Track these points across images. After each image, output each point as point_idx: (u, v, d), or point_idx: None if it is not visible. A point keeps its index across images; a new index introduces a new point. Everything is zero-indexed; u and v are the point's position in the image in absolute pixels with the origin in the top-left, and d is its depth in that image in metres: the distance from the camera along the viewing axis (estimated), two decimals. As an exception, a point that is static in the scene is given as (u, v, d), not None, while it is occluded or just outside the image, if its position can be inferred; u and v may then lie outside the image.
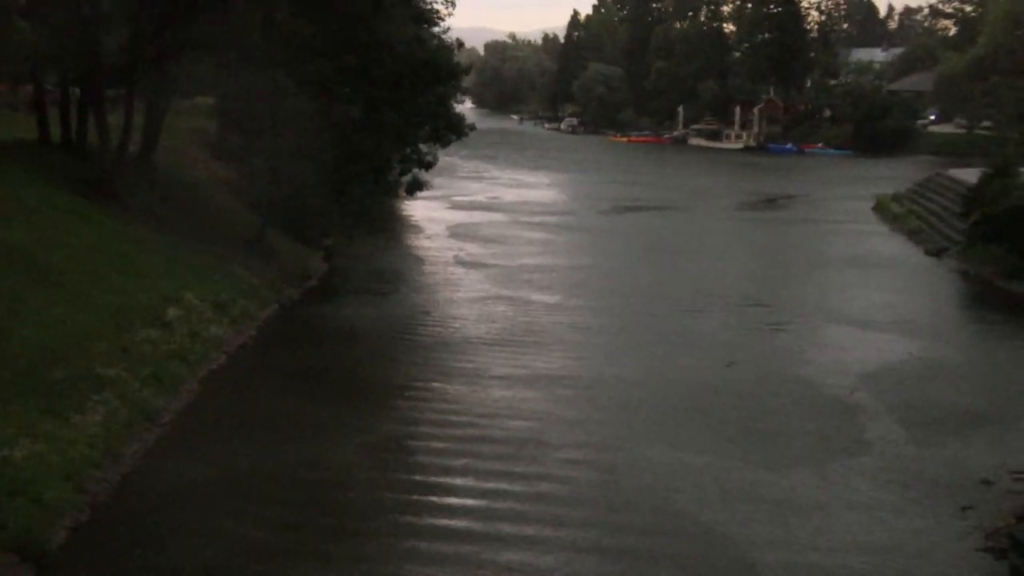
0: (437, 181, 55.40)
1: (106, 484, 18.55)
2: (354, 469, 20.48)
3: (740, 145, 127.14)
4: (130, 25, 34.92)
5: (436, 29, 49.48)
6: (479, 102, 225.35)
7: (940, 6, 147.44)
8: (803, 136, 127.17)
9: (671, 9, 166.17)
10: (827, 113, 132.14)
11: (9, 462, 17.16)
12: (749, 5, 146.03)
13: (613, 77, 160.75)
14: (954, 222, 49.81)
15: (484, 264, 44.09)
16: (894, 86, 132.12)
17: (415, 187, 50.33)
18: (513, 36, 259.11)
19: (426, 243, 51.31)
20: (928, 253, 48.48)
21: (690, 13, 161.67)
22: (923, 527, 18.25)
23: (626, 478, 20.22)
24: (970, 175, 51.98)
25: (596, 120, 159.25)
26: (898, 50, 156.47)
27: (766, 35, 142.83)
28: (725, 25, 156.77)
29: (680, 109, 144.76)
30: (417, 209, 60.23)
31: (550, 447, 21.78)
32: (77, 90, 38.88)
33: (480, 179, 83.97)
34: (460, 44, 50.77)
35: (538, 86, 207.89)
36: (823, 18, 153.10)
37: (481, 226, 56.27)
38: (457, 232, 53.63)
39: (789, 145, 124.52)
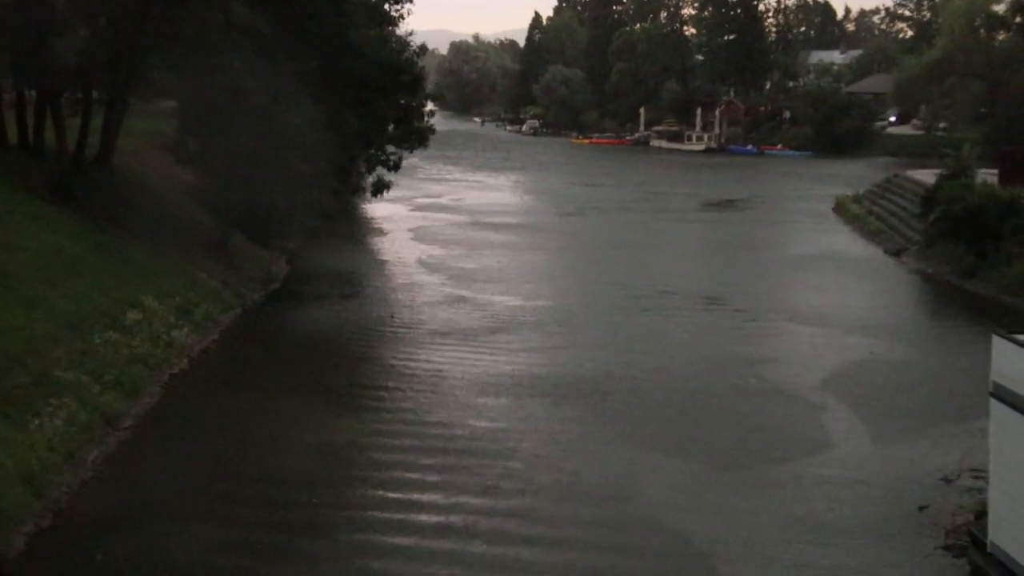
0: (399, 183, 55.23)
1: (67, 490, 18.39)
2: (315, 473, 20.38)
3: (702, 147, 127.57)
4: (86, 26, 34.52)
5: (398, 31, 49.36)
6: (441, 104, 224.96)
7: (896, 9, 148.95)
8: (764, 138, 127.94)
9: (631, 11, 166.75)
10: (787, 115, 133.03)
11: (-33, 469, 16.97)
12: (708, 9, 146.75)
13: (574, 79, 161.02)
14: (913, 222, 50.31)
15: (446, 266, 44.04)
16: (852, 88, 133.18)
17: (380, 188, 50.12)
18: (476, 37, 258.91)
19: (388, 245, 51.20)
20: (887, 253, 48.93)
21: (651, 15, 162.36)
22: (883, 524, 18.40)
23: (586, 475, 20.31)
24: (928, 176, 52.55)
25: (558, 122, 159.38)
26: (856, 52, 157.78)
27: (726, 37, 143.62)
28: (686, 27, 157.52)
29: (642, 111, 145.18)
30: (379, 211, 60.04)
31: (512, 447, 21.83)
32: (33, 92, 38.43)
33: (442, 181, 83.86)
34: (424, 50, 50.63)
35: (500, 88, 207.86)
36: (781, 21, 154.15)
37: (443, 228, 56.18)
38: (419, 234, 53.51)
39: (749, 147, 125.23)
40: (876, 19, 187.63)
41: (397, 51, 47.60)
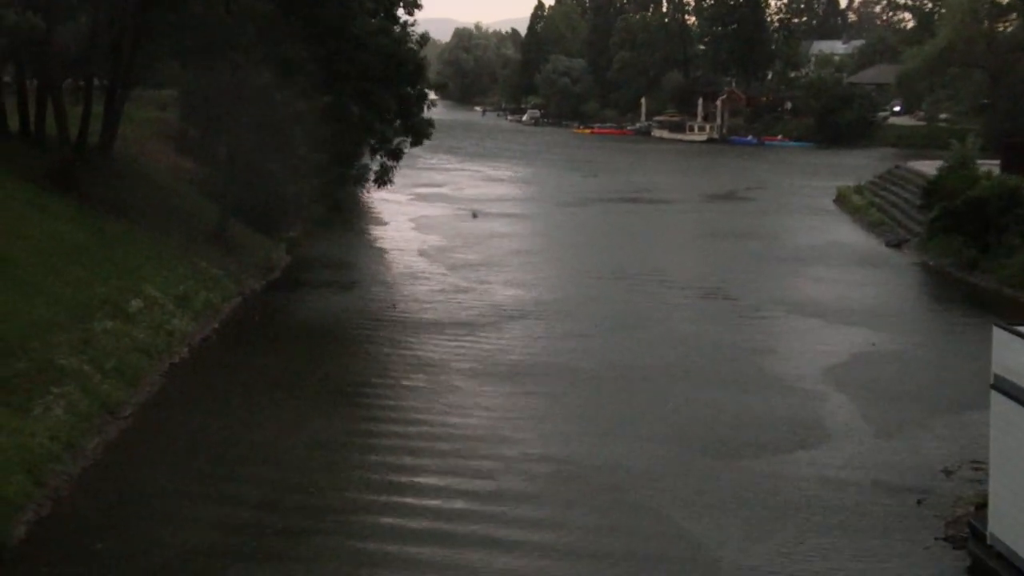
0: (400, 172, 55.14)
1: (67, 478, 18.41)
2: (312, 463, 20.37)
3: (703, 137, 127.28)
4: (89, 13, 34.46)
5: (403, 19, 49.10)
6: (442, 94, 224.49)
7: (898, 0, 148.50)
8: (765, 128, 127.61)
9: (633, 0, 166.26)
10: (788, 105, 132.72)
11: (-32, 456, 16.98)
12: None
13: (576, 69, 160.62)
14: (914, 214, 50.24)
15: (447, 256, 44.01)
16: (855, 78, 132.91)
17: (383, 177, 49.88)
18: (478, 26, 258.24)
19: (389, 235, 51.16)
20: (889, 245, 48.87)
21: (652, 5, 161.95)
22: (882, 515, 18.41)
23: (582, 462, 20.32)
24: (930, 167, 52.45)
25: (559, 112, 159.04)
26: (858, 42, 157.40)
27: (728, 27, 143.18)
28: (687, 17, 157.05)
29: (643, 101, 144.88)
30: (380, 201, 59.98)
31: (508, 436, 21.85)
32: (35, 80, 38.40)
33: (443, 171, 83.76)
34: (425, 40, 50.37)
35: (501, 78, 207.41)
36: (782, 9, 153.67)
37: (443, 218, 56.15)
38: (420, 224, 53.49)
39: (749, 137, 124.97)
40: (878, 9, 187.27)
41: (400, 40, 47.39)
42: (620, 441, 21.87)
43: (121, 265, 29.48)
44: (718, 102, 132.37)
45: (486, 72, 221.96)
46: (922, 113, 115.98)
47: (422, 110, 49.84)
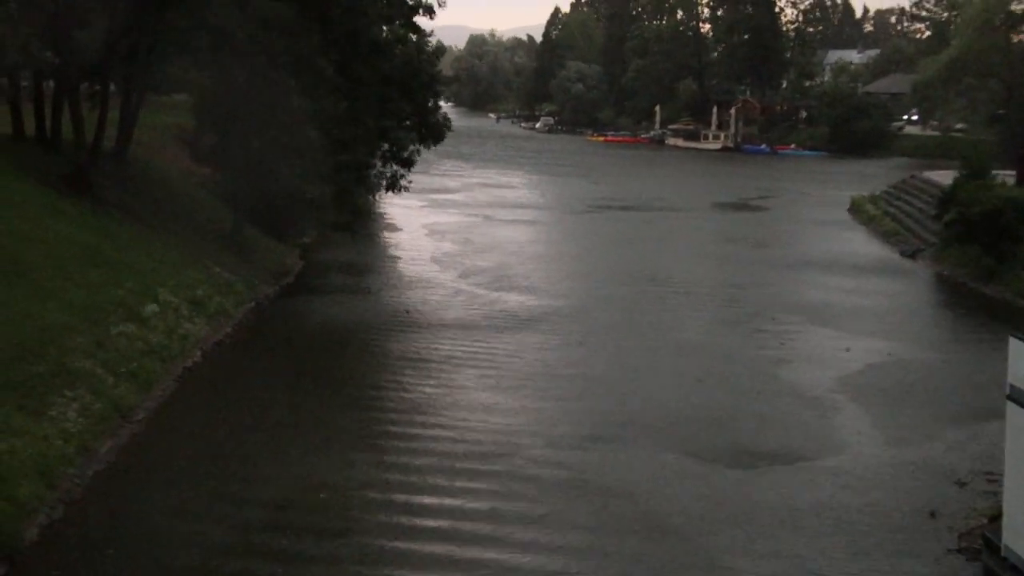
0: (413, 179, 55.18)
1: (79, 481, 18.42)
2: (328, 469, 20.35)
3: (718, 145, 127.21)
4: (104, 17, 34.57)
5: (421, 28, 49.05)
6: (456, 100, 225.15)
7: (914, 10, 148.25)
8: (780, 137, 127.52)
9: (649, 8, 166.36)
10: (803, 114, 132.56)
11: (-19, 459, 17.01)
12: (725, 6, 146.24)
13: (591, 75, 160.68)
14: (929, 224, 50.10)
15: (459, 262, 44.04)
16: (870, 88, 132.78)
17: (395, 184, 49.95)
18: (492, 33, 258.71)
19: (402, 241, 51.22)
20: (903, 254, 48.73)
21: (667, 13, 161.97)
22: (895, 526, 18.33)
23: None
24: (944, 177, 52.31)
25: (573, 119, 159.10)
26: (873, 52, 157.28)
27: (743, 36, 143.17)
28: (702, 25, 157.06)
29: (657, 109, 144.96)
30: (393, 207, 60.06)
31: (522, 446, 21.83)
32: (51, 84, 38.55)
33: (456, 177, 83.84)
34: (441, 52, 50.43)
35: (515, 85, 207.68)
36: (799, 19, 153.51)
37: (456, 224, 56.20)
38: (432, 230, 53.56)
39: (763, 146, 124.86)
40: (892, 19, 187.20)
41: (419, 49, 47.42)
42: (630, 450, 21.82)
43: (135, 269, 29.55)
44: (732, 110, 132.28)
45: (500, 79, 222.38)
46: (936, 123, 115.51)
47: (436, 117, 49.79)
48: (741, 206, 71.39)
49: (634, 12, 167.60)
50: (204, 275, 32.61)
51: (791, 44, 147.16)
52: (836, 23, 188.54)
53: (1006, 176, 46.35)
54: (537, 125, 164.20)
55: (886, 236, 54.02)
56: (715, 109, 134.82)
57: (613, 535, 17.65)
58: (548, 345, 30.48)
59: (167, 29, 35.35)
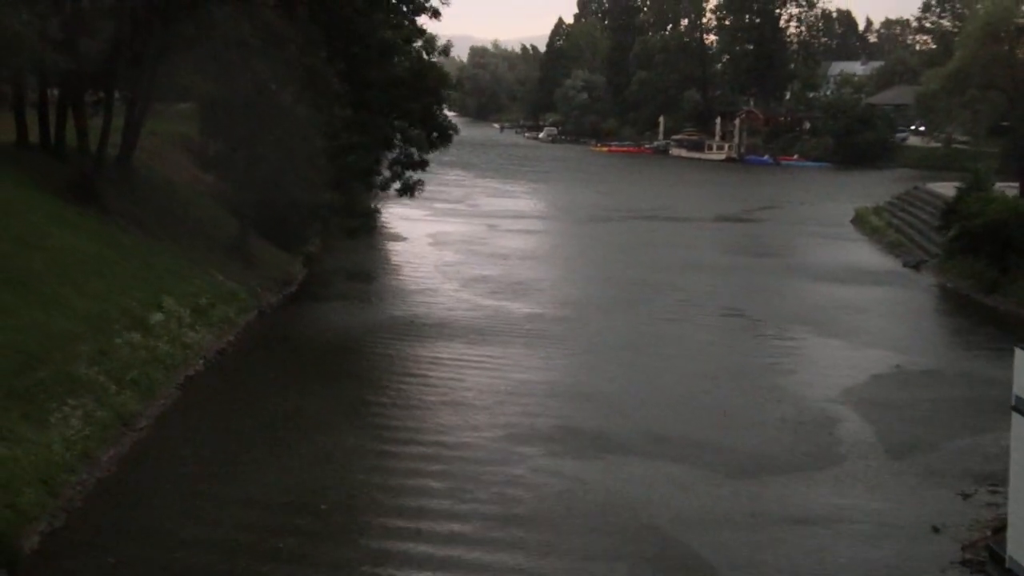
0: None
1: (81, 489, 18.40)
2: (329, 476, 20.33)
3: (722, 156, 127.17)
4: (111, 25, 34.63)
5: (424, 27, 49.07)
6: (460, 110, 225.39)
7: (919, 21, 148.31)
8: (783, 148, 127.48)
9: (653, 19, 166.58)
10: (807, 125, 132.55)
11: (-17, 465, 16.99)
12: (728, 19, 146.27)
13: (596, 85, 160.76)
14: (932, 235, 50.08)
15: (462, 271, 44.04)
16: (874, 99, 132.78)
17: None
18: (496, 44, 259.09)
19: (406, 250, 51.25)
20: (907, 266, 48.69)
21: (670, 25, 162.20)
22: (899, 537, 18.28)
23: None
24: (948, 189, 52.30)
25: (577, 129, 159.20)
26: (877, 63, 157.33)
27: (746, 46, 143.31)
28: (707, 36, 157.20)
29: (661, 119, 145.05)
30: (397, 215, 60.11)
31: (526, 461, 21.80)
32: (56, 91, 38.60)
33: (459, 186, 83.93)
34: (448, 47, 50.27)
35: (519, 95, 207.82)
36: (802, 30, 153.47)
37: (459, 233, 56.25)
38: (436, 239, 53.60)
39: (765, 157, 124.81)
40: (897, 31, 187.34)
41: (428, 47, 47.43)
42: (638, 461, 21.79)
43: (139, 277, 29.57)
44: (736, 121, 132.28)
45: (503, 89, 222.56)
46: (941, 135, 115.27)
47: (444, 118, 49.82)
48: (744, 217, 71.37)
49: (638, 23, 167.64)
50: (208, 283, 32.62)
51: (795, 56, 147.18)
52: (839, 33, 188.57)
53: (1008, 188, 46.29)
54: (540, 135, 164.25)
55: (890, 247, 54.01)
56: (719, 120, 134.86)
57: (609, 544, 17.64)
58: (552, 356, 30.42)
59: (173, 37, 35.40)
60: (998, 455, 22.41)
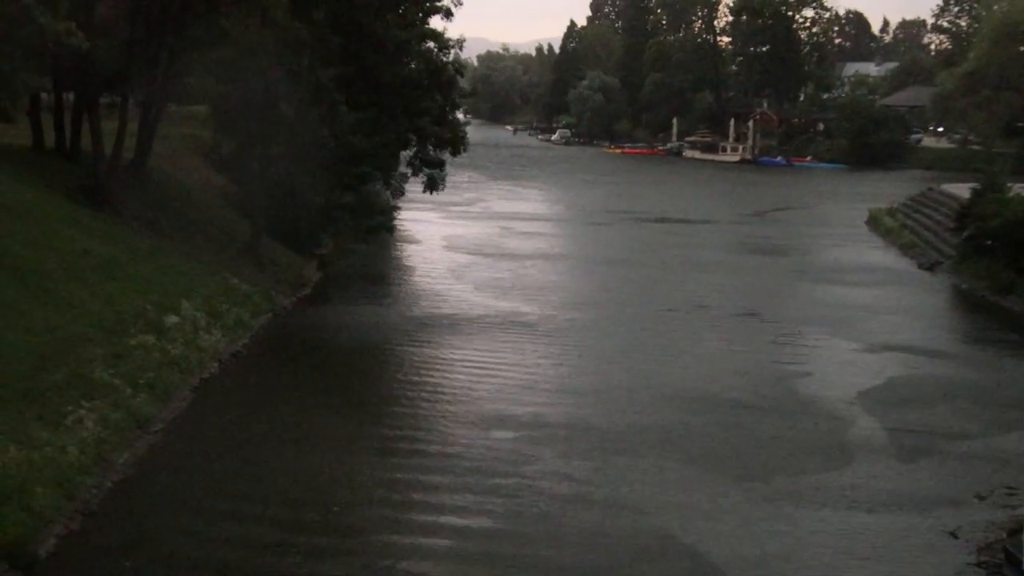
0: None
1: (97, 492, 18.44)
2: (342, 481, 20.34)
3: (736, 158, 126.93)
4: (125, 30, 34.79)
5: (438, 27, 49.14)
6: (473, 112, 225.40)
7: (936, 21, 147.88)
8: (797, 149, 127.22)
9: (666, 21, 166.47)
10: (821, 127, 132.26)
11: (-1, 468, 17.04)
12: (744, 17, 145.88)
13: (611, 86, 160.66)
14: (947, 236, 49.89)
15: (475, 274, 43.99)
16: (888, 100, 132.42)
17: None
18: (506, 48, 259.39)
19: (419, 253, 51.24)
20: (921, 267, 48.50)
21: (683, 25, 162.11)
22: (915, 539, 18.22)
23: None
24: (962, 190, 52.08)
25: (590, 131, 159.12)
26: (892, 64, 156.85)
27: (760, 48, 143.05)
28: (720, 38, 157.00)
29: (674, 121, 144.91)
30: (410, 218, 60.16)
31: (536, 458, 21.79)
32: (71, 95, 38.77)
33: (472, 189, 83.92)
34: (461, 42, 50.19)
35: (532, 97, 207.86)
36: (816, 31, 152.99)
37: (473, 236, 56.23)
38: (450, 242, 53.57)
39: (779, 159, 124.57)
40: (913, 31, 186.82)
41: (442, 45, 47.48)
42: (647, 464, 21.77)
43: (153, 280, 29.66)
44: (750, 123, 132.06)
45: (516, 91, 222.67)
46: (957, 136, 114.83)
47: (457, 120, 49.88)
48: (758, 219, 71.24)
49: (649, 26, 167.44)
50: (222, 286, 32.70)
51: (809, 57, 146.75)
52: (852, 35, 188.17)
53: (1021, 189, 46.02)
54: (553, 137, 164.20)
55: (904, 249, 53.80)
56: (732, 121, 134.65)
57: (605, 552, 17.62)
58: (566, 360, 30.35)
59: (187, 41, 35.54)
60: (1014, 456, 22.42)
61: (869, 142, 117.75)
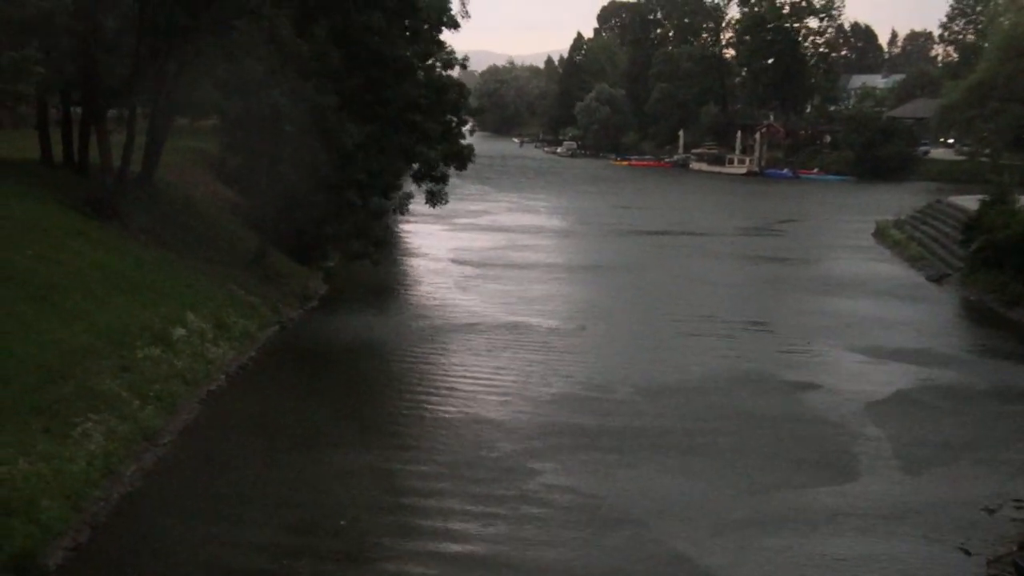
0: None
1: (105, 504, 18.43)
2: (349, 494, 20.31)
3: (743, 170, 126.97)
4: (132, 44, 34.92)
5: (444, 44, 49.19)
6: (480, 125, 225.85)
7: (944, 28, 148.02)
8: (804, 162, 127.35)
9: (672, 33, 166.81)
10: (828, 139, 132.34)
11: (7, 481, 17.02)
12: (749, 32, 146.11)
13: (618, 98, 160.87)
14: (955, 249, 49.83)
15: (482, 287, 44.01)
16: (894, 112, 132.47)
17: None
18: (511, 61, 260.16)
19: (425, 265, 51.26)
20: (929, 279, 48.45)
21: (690, 38, 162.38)
22: (926, 551, 18.15)
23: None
24: (970, 202, 52.03)
25: (596, 144, 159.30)
26: (898, 76, 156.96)
27: (766, 60, 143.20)
28: (726, 50, 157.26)
29: (681, 133, 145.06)
30: (417, 231, 60.24)
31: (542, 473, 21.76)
32: (79, 109, 38.90)
33: (479, 201, 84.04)
34: (466, 61, 50.29)
35: (538, 109, 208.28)
36: (822, 44, 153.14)
37: (479, 248, 56.24)
38: (456, 255, 53.60)
39: (785, 170, 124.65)
40: (921, 42, 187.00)
41: (447, 64, 47.56)
42: (650, 470, 21.72)
43: (160, 292, 29.69)
44: (756, 135, 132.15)
45: (522, 104, 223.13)
46: (966, 148, 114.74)
47: (463, 136, 49.89)
48: (766, 231, 71.22)
49: (657, 37, 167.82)
50: (229, 298, 32.73)
51: (815, 69, 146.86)
52: (859, 47, 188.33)
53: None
54: (559, 149, 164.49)
55: (912, 261, 53.75)
56: (739, 134, 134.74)
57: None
58: (573, 373, 30.32)
59: (194, 55, 35.65)
60: (1023, 470, 22.35)
61: (876, 154, 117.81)
